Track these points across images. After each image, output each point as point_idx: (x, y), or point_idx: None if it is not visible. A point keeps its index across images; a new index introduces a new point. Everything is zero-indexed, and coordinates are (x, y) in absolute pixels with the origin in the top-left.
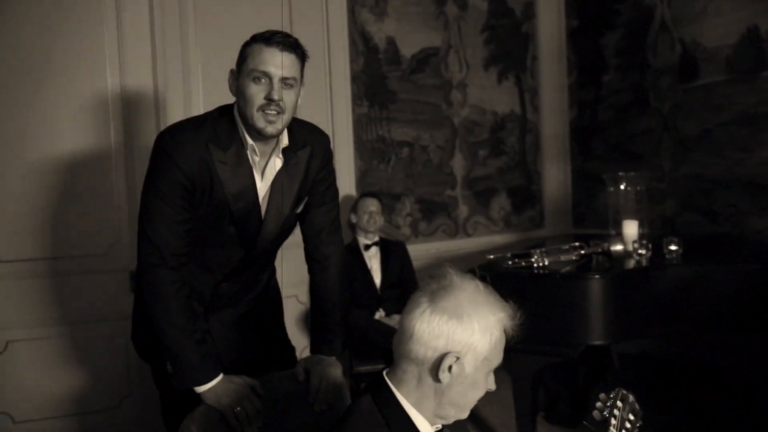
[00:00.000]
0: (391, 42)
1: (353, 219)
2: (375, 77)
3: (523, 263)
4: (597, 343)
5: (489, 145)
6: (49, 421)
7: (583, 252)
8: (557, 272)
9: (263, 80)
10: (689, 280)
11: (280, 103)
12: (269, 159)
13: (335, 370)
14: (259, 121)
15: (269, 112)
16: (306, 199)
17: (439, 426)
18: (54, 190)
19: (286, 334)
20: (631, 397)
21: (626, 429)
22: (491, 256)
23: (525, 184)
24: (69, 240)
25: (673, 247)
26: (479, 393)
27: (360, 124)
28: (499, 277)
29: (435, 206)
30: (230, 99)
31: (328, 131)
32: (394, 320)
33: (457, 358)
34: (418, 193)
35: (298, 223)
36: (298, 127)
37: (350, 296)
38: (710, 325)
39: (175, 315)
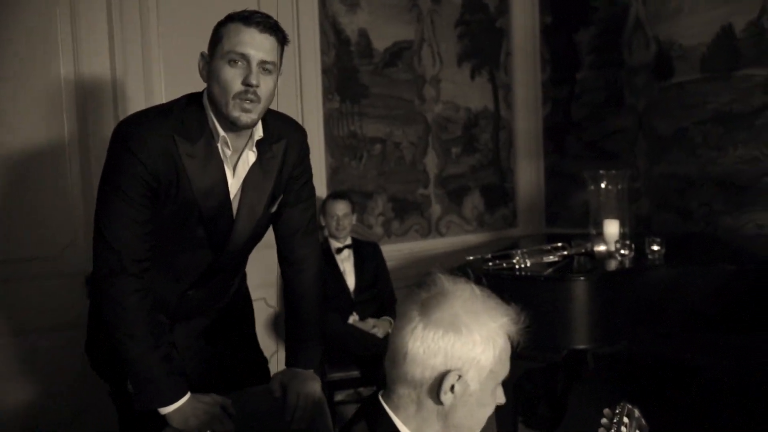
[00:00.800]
0: (363, 34)
1: (322, 222)
2: (346, 71)
3: (504, 264)
4: (581, 347)
5: (462, 142)
6: None
7: (565, 253)
8: (541, 274)
9: (240, 63)
10: (672, 281)
11: (257, 90)
12: (242, 153)
13: (314, 385)
14: (234, 110)
15: (245, 99)
16: (281, 197)
17: None
18: (7, 187)
19: (258, 345)
20: (636, 412)
21: None
22: (470, 258)
23: (498, 183)
24: (18, 242)
25: (655, 248)
26: (488, 411)
27: (331, 119)
28: (483, 278)
29: (407, 205)
30: (196, 88)
31: None
32: (368, 324)
33: (460, 376)
34: (390, 191)
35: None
36: (272, 119)
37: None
38: (691, 327)
39: (138, 328)
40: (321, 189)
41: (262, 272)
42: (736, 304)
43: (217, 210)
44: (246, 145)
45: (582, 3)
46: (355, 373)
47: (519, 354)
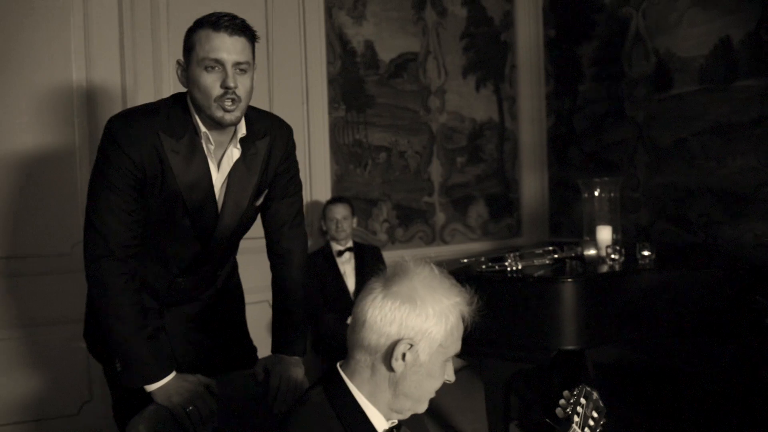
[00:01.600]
0: (369, 46)
1: (323, 226)
2: (352, 81)
3: (497, 267)
4: (569, 347)
5: (467, 152)
6: (7, 427)
7: (556, 256)
8: (530, 276)
9: (216, 68)
10: (660, 285)
11: (236, 90)
12: (226, 149)
13: (297, 370)
14: (217, 111)
15: (226, 100)
16: (267, 191)
17: (395, 421)
18: (14, 187)
19: (247, 333)
20: (595, 394)
21: (590, 426)
22: (465, 260)
23: (503, 192)
24: (30, 239)
25: (645, 253)
26: (436, 383)
27: (336, 128)
28: (473, 280)
29: (412, 213)
30: None
31: (303, 134)
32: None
33: (411, 345)
34: (395, 199)
35: (259, 217)
36: (257, 117)
37: (323, 301)
38: (679, 331)
39: (124, 308)
40: (326, 195)
41: (266, 275)
42: (724, 310)
43: (202, 202)
44: (230, 142)
45: (584, 17)
46: None
47: (508, 354)
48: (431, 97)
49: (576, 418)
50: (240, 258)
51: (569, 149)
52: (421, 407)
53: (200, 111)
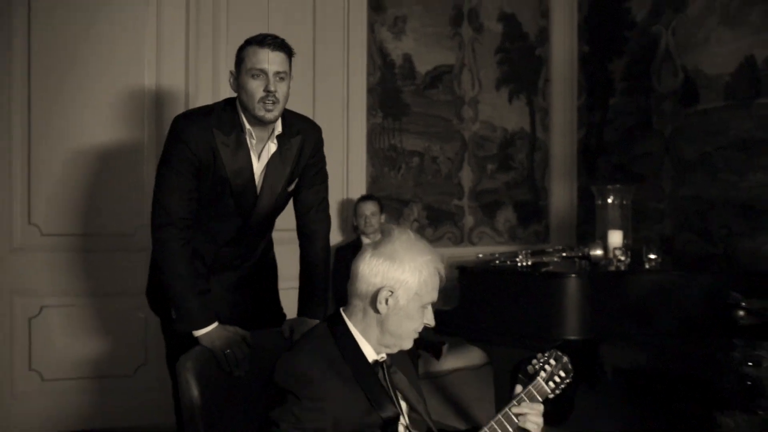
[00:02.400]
0: (407, 59)
1: (354, 221)
2: (390, 90)
3: (509, 262)
4: (572, 338)
5: (497, 159)
6: (72, 381)
7: (564, 255)
8: (537, 270)
9: (260, 76)
10: (659, 286)
11: (276, 93)
12: (265, 144)
13: None
14: (260, 111)
15: (267, 102)
16: (297, 180)
17: (384, 356)
18: (91, 175)
19: (278, 299)
20: (565, 358)
21: (554, 382)
22: (481, 255)
23: (532, 200)
24: (101, 220)
25: (652, 256)
26: (414, 324)
27: (374, 133)
28: (484, 274)
29: (442, 214)
30: None
31: (342, 138)
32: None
33: (392, 292)
34: (426, 200)
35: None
36: (292, 118)
37: None
38: (681, 331)
39: (180, 268)
40: (361, 194)
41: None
42: (717, 310)
43: (244, 186)
44: (269, 138)
45: (617, 34)
46: None
47: (516, 342)
48: (464, 107)
49: (543, 374)
50: (279, 248)
51: (598, 160)
52: (405, 344)
53: (246, 111)
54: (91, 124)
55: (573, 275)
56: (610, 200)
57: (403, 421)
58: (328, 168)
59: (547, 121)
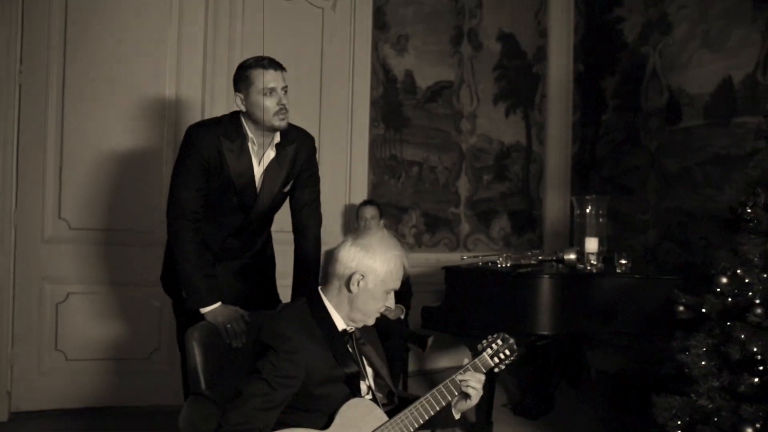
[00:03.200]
0: (408, 74)
1: (355, 225)
2: (392, 104)
3: (490, 264)
4: (543, 333)
5: (494, 170)
6: (93, 361)
7: (540, 258)
8: (513, 271)
9: (273, 93)
10: (622, 288)
11: (286, 105)
12: (265, 151)
13: None
14: (276, 121)
15: (281, 114)
16: (292, 182)
17: (352, 328)
18: (115, 176)
19: (275, 287)
20: (511, 340)
21: (500, 358)
22: (465, 257)
23: (526, 209)
24: (123, 217)
25: (623, 261)
26: (378, 305)
27: (375, 144)
28: (466, 273)
29: (439, 221)
30: None
31: (346, 147)
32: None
33: (363, 276)
34: (423, 207)
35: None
36: (288, 129)
37: None
38: (642, 330)
39: (190, 253)
40: (362, 199)
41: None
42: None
43: (246, 186)
44: (269, 146)
45: (610, 54)
46: None
47: None
48: (463, 120)
49: (489, 351)
50: (278, 247)
51: (590, 173)
52: (369, 321)
53: (257, 123)
54: (117, 129)
55: (546, 276)
56: (588, 210)
57: (369, 383)
58: (333, 175)
59: (542, 135)
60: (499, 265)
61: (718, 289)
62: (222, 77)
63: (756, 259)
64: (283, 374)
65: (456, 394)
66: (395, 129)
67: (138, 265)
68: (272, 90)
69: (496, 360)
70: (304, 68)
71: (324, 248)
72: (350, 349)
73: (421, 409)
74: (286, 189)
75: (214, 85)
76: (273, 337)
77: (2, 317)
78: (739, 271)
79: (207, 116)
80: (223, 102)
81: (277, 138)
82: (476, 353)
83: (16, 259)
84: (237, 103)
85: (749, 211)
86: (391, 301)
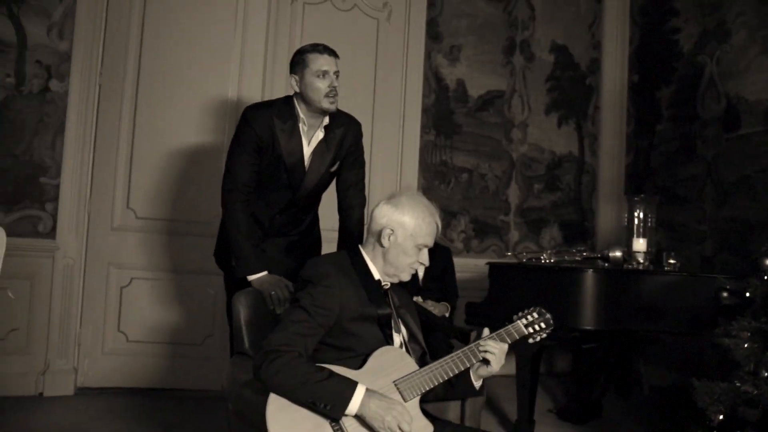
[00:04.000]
0: (460, 83)
1: None
2: (443, 111)
3: (533, 260)
4: (587, 327)
5: (545, 180)
6: (151, 344)
7: (585, 255)
8: (557, 265)
9: (325, 76)
10: (674, 285)
11: (336, 88)
12: (315, 132)
13: None
14: (326, 103)
15: (332, 95)
16: (339, 163)
17: (388, 284)
18: (179, 170)
19: None
20: (548, 315)
21: (534, 329)
22: (509, 253)
23: (578, 220)
24: (185, 208)
25: (672, 261)
26: (409, 260)
27: (426, 149)
28: (510, 268)
29: (488, 227)
30: None
31: (397, 152)
32: (428, 304)
33: (392, 231)
34: (473, 213)
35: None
36: (338, 114)
37: None
38: (691, 328)
39: (241, 224)
40: None
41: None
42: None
43: (295, 164)
44: (318, 128)
45: (665, 64)
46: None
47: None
48: (514, 129)
49: (524, 320)
50: (326, 246)
51: (645, 184)
52: (403, 276)
53: (310, 105)
54: (183, 127)
55: (590, 269)
56: (636, 212)
57: (403, 339)
58: (384, 179)
59: (595, 146)
60: (543, 261)
61: (763, 274)
62: (280, 81)
63: None
64: (320, 305)
65: (480, 358)
66: (446, 136)
67: (197, 254)
68: (325, 73)
69: (531, 330)
70: (359, 75)
71: None
72: (387, 300)
73: (446, 368)
74: (333, 169)
75: (273, 87)
76: (312, 272)
77: (72, 298)
78: None
79: None
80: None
81: (326, 121)
82: (509, 322)
83: (87, 245)
84: (292, 84)
85: None
86: (425, 257)
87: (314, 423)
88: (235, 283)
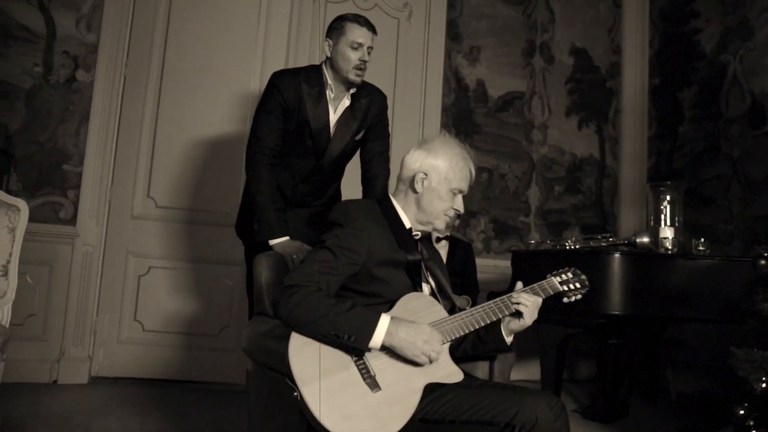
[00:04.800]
0: (480, 84)
1: None
2: (463, 111)
3: (558, 246)
4: (614, 312)
5: (565, 182)
6: (167, 334)
7: (612, 241)
8: (582, 248)
9: (359, 48)
10: (705, 270)
11: (366, 63)
12: (342, 100)
13: None
14: (352, 75)
15: (360, 68)
16: (363, 132)
17: (419, 234)
18: (201, 161)
19: None
20: (583, 276)
21: (568, 287)
22: (533, 241)
23: (599, 224)
24: (205, 199)
25: (701, 248)
26: (444, 205)
27: None
28: (533, 255)
29: (508, 228)
30: None
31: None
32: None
33: (426, 175)
34: (493, 213)
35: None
36: (365, 84)
37: None
38: (723, 315)
39: (265, 187)
40: None
41: None
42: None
43: (321, 130)
44: (344, 96)
45: (686, 65)
46: None
47: (560, 319)
48: (534, 130)
49: (558, 278)
50: None
51: None
52: (438, 224)
53: (337, 72)
54: (205, 119)
55: (617, 253)
56: (661, 198)
57: (432, 288)
58: None
59: (616, 150)
60: (567, 247)
61: None
62: None
63: None
64: (346, 246)
65: (512, 310)
66: (466, 135)
67: (215, 244)
68: (360, 45)
69: (565, 288)
70: (379, 73)
71: None
72: (417, 248)
73: (478, 317)
74: (358, 137)
75: None
76: (340, 215)
77: (90, 285)
78: None
79: None
80: None
81: (353, 90)
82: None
83: (107, 233)
84: (324, 48)
85: None
86: (459, 204)
87: (337, 360)
88: (257, 253)
